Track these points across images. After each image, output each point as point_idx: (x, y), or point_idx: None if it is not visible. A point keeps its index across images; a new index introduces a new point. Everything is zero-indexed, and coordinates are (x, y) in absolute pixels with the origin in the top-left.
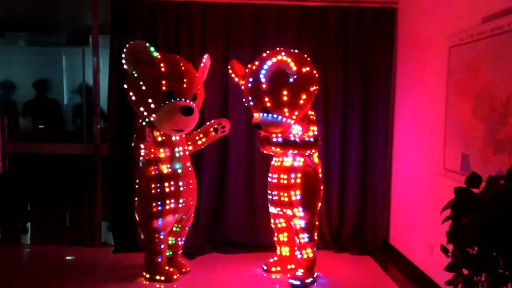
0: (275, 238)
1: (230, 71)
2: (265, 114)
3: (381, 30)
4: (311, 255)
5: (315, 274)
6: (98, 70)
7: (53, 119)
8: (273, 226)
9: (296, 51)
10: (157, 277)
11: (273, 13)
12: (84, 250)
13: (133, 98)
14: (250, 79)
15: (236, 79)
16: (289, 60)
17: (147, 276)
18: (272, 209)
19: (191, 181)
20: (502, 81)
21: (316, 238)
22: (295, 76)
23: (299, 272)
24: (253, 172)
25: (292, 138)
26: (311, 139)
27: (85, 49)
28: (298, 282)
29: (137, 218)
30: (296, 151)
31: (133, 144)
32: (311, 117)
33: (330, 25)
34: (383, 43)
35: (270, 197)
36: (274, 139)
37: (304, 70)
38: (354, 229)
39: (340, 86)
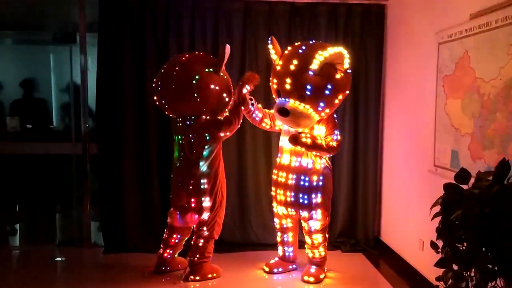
0: (278, 239)
1: (271, 47)
2: (296, 102)
3: (371, 27)
4: (323, 253)
5: (325, 269)
6: (86, 68)
7: (41, 118)
8: (277, 226)
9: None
10: (209, 275)
11: (264, 10)
12: (74, 251)
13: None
14: (294, 62)
15: (274, 57)
16: (346, 55)
17: (197, 278)
18: (282, 210)
19: None
20: (490, 77)
21: (327, 235)
22: (342, 74)
23: (313, 269)
24: (245, 172)
25: (319, 141)
26: (334, 144)
27: (72, 47)
28: (312, 279)
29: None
30: (318, 154)
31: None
32: (336, 120)
33: (321, 22)
34: (373, 40)
35: (282, 197)
36: (304, 139)
37: (348, 71)
38: (346, 226)
39: None
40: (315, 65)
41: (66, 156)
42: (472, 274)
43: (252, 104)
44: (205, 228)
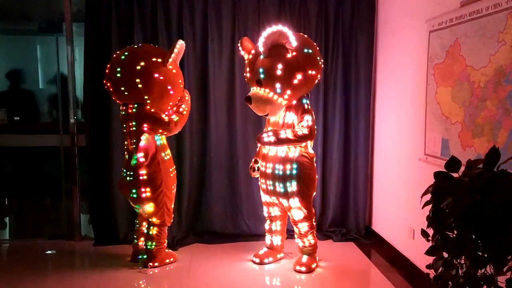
0: (267, 227)
1: (240, 47)
2: (257, 88)
3: (362, 15)
4: (312, 241)
5: (317, 258)
6: (73, 59)
7: (28, 110)
8: (266, 214)
9: (305, 35)
10: (167, 261)
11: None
12: (64, 244)
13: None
14: (252, 51)
15: (242, 53)
16: (290, 33)
17: (156, 264)
18: (266, 198)
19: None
20: (480, 65)
21: (314, 223)
22: (293, 53)
23: (304, 259)
24: (235, 162)
25: (283, 135)
26: (305, 131)
27: (59, 37)
28: (304, 269)
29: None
30: (293, 145)
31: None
32: (306, 106)
33: (311, 12)
34: (363, 29)
35: (264, 186)
36: (266, 139)
37: (305, 50)
38: (337, 216)
39: (321, 73)
40: (261, 48)
41: (54, 148)
42: (462, 261)
43: None
44: (154, 219)
